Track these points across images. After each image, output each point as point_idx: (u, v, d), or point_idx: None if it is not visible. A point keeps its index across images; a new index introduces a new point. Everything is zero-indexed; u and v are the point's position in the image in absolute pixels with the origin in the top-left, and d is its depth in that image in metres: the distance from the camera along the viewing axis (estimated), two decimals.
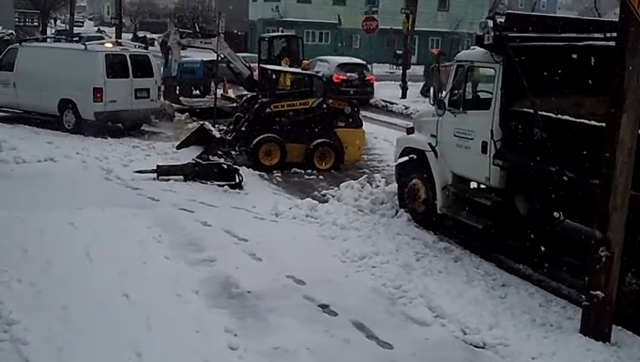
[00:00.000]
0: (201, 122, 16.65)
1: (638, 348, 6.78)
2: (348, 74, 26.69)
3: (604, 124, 6.78)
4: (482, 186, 9.88)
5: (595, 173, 6.99)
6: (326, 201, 11.89)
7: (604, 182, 6.66)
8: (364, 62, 29.30)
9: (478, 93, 10.16)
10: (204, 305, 7.29)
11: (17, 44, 19.96)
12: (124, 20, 47.62)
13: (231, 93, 25.18)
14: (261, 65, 20.32)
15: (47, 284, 7.33)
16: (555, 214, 9.44)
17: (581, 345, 6.69)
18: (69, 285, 7.37)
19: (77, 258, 8.22)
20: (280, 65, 23.42)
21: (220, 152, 14.19)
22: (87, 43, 19.04)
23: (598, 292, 6.74)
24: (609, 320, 6.85)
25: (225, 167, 13.26)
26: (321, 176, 14.59)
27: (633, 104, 6.42)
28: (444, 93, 10.35)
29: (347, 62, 27.95)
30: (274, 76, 17.17)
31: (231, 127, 16.78)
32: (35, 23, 48.14)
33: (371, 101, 28.40)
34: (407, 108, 26.01)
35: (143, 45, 22.18)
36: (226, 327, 6.70)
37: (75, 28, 50.66)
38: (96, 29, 67.79)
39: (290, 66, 23.43)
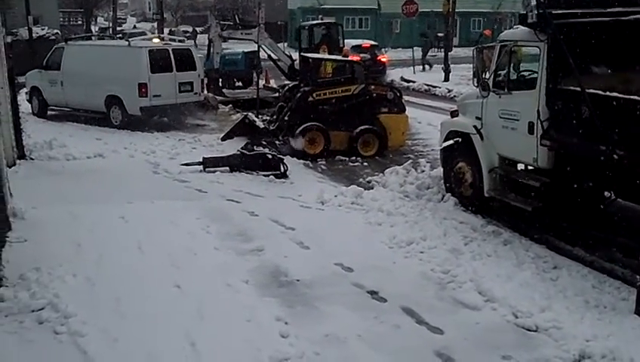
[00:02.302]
0: (245, 113, 16.76)
1: None
2: (361, 55, 26.87)
3: None
4: (530, 168, 9.74)
5: None
6: (371, 188, 11.87)
7: None
8: (376, 44, 31.01)
9: (523, 73, 9.99)
10: (254, 294, 7.37)
11: (63, 44, 20.36)
12: (165, 15, 48.16)
13: (273, 83, 25.26)
14: (302, 53, 20.31)
15: (101, 277, 7.50)
16: (606, 194, 9.27)
17: (636, 327, 6.57)
18: (122, 278, 7.53)
19: (129, 251, 8.39)
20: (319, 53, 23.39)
21: (264, 142, 14.27)
22: (130, 39, 19.30)
23: None
24: None
25: (270, 156, 13.34)
26: (365, 163, 14.57)
27: None
28: (487, 74, 10.21)
29: (360, 44, 29.26)
30: (315, 64, 17.13)
31: (274, 116, 16.86)
32: (79, 22, 49.00)
33: (413, 85, 28.41)
34: (450, 91, 25.75)
35: (184, 38, 22.38)
36: (276, 316, 6.77)
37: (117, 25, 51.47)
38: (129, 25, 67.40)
39: (329, 54, 23.39)
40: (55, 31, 34.33)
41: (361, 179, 13.01)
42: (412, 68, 32.80)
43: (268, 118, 17.34)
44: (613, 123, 7.73)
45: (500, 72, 9.94)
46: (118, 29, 50.24)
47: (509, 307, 7.06)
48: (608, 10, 8.66)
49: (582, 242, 8.81)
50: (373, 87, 15.68)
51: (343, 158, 14.88)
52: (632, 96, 7.52)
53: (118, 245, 8.56)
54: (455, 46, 40.21)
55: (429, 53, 34.57)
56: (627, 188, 8.42)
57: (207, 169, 13.17)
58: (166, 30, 53.74)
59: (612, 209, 9.29)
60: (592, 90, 7.96)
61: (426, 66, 33.32)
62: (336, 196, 11.25)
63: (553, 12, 8.54)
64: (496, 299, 7.23)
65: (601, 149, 7.90)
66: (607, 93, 7.81)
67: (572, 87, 8.30)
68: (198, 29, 58.39)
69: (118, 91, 17.80)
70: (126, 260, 8.08)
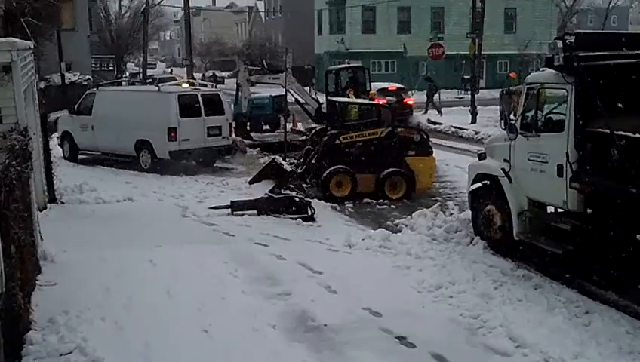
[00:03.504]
0: (272, 156, 16.88)
1: None
2: (388, 97, 27.08)
3: None
4: (560, 210, 9.64)
5: None
6: (399, 231, 11.81)
7: None
8: (402, 87, 31.83)
9: (551, 116, 9.95)
10: (281, 339, 7.32)
11: (94, 89, 20.79)
12: (194, 60, 48.99)
13: (300, 127, 25.47)
14: (329, 97, 20.49)
15: (130, 321, 7.49)
16: (639, 237, 9.10)
17: None
18: (150, 322, 7.52)
19: (157, 295, 8.39)
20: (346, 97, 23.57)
21: (291, 185, 14.33)
22: (160, 85, 19.66)
23: None
24: None
25: (297, 200, 13.38)
26: (392, 206, 14.52)
27: None
28: (515, 116, 10.20)
29: (386, 87, 29.76)
30: (342, 108, 17.26)
31: (301, 160, 16.95)
32: (111, 67, 50.04)
33: (440, 128, 28.47)
34: (477, 133, 25.70)
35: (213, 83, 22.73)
36: (303, 361, 6.70)
37: (147, 70, 52.44)
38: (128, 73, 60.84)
39: (356, 97, 23.57)
40: (87, 76, 35.06)
41: (388, 222, 12.97)
42: (438, 110, 32.88)
43: (295, 161, 17.44)
44: None
45: (527, 115, 9.93)
46: (149, 73, 51.17)
47: (540, 353, 6.93)
48: (635, 52, 8.64)
49: (614, 286, 8.65)
50: (400, 129, 15.73)
51: (371, 201, 14.86)
52: None
53: (146, 289, 8.58)
54: (482, 88, 40.27)
55: (435, 98, 34.19)
56: None
57: (235, 212, 13.23)
58: (198, 75, 54.62)
59: None
60: (621, 132, 7.90)
61: (429, 111, 33.07)
62: (363, 239, 11.21)
63: (580, 54, 8.54)
64: (528, 345, 7.11)
65: (632, 192, 7.81)
66: (637, 134, 7.74)
67: (601, 129, 8.25)
68: (226, 74, 59.11)
69: (147, 136, 18.08)
70: (154, 304, 8.08)
